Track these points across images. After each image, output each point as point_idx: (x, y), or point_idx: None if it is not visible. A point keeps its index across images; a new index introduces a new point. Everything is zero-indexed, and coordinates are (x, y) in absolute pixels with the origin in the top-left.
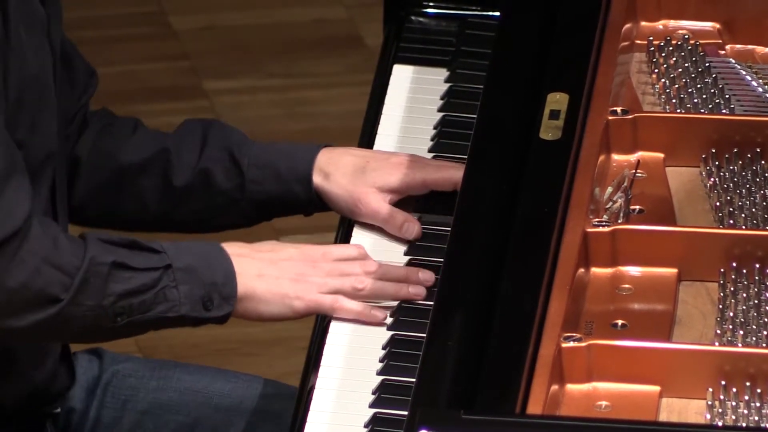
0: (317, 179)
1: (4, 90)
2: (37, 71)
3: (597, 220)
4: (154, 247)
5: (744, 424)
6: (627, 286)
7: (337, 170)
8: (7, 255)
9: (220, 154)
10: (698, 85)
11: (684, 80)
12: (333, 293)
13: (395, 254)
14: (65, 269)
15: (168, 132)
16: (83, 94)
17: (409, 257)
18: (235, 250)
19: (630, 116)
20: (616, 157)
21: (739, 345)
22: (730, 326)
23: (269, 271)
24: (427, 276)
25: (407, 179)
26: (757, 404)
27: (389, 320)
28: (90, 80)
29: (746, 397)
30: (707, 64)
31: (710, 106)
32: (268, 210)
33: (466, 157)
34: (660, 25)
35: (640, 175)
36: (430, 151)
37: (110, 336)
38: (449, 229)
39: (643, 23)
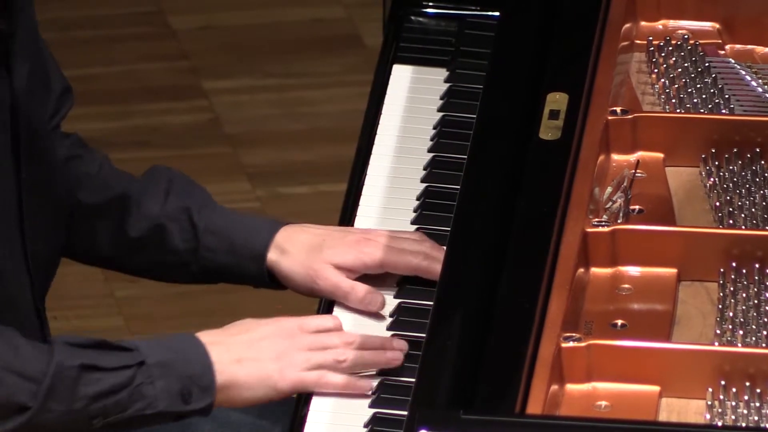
0: (273, 256)
1: None
2: None
3: (597, 220)
4: (126, 345)
5: (744, 424)
6: (627, 286)
7: (293, 247)
8: None
9: (178, 213)
10: (698, 85)
11: (683, 80)
12: (316, 369)
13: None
14: (30, 376)
15: (132, 176)
16: (55, 115)
17: (399, 300)
18: (209, 339)
19: (629, 116)
20: (615, 157)
21: (739, 345)
22: (730, 326)
23: (247, 354)
24: (402, 345)
25: (365, 259)
26: (757, 404)
27: (388, 321)
28: (64, 99)
29: (746, 397)
30: (707, 64)
31: (710, 106)
32: (217, 278)
33: (465, 158)
34: (659, 24)
35: (639, 175)
36: (429, 150)
37: None
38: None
39: (643, 23)
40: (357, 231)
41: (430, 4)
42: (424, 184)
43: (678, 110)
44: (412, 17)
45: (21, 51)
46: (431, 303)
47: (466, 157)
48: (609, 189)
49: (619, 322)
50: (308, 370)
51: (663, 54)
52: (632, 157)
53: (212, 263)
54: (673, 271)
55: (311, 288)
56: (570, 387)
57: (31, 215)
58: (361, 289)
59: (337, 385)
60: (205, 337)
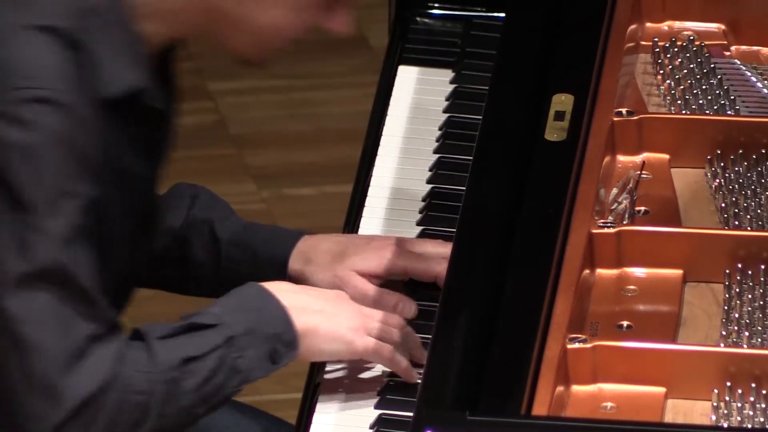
0: (296, 265)
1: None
2: (121, 230)
3: (602, 221)
4: (209, 321)
5: (749, 426)
6: (632, 287)
7: (316, 256)
8: (92, 408)
9: (201, 225)
10: (703, 87)
11: (689, 81)
12: (389, 342)
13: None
14: (140, 390)
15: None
16: None
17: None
18: (285, 287)
19: (635, 117)
20: (621, 158)
21: (745, 346)
22: (736, 327)
23: (328, 308)
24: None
25: (388, 265)
26: (763, 405)
27: None
28: None
29: (752, 399)
30: (712, 66)
31: (715, 107)
32: None
33: (470, 159)
34: (665, 26)
35: (645, 176)
36: (435, 152)
37: (194, 422)
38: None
39: (648, 24)
40: (379, 238)
41: (436, 5)
42: (430, 186)
43: (683, 111)
44: (418, 18)
45: (167, 142)
46: (437, 304)
47: (471, 158)
48: (615, 190)
49: (625, 323)
50: (381, 341)
51: (668, 55)
52: (638, 159)
53: (235, 274)
54: (678, 272)
55: None
56: (576, 388)
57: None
58: (392, 297)
59: (402, 368)
60: (278, 285)
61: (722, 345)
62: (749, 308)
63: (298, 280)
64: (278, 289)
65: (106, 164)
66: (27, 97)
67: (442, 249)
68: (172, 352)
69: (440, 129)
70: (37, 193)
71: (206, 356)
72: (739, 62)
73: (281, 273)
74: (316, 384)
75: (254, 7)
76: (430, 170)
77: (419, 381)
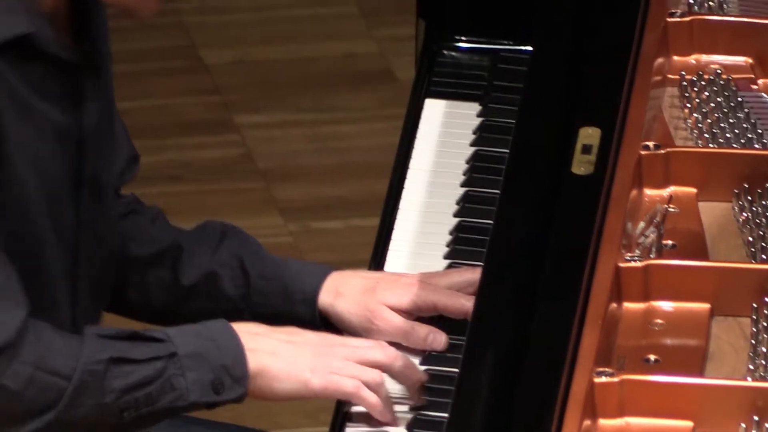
0: (326, 299)
1: (2, 212)
2: (47, 181)
3: (629, 254)
4: (157, 336)
5: None
6: (659, 321)
7: (347, 290)
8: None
9: (230, 260)
10: (730, 120)
11: (716, 115)
12: (352, 377)
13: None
14: (60, 373)
15: (185, 229)
16: (119, 177)
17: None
18: (251, 329)
19: (662, 151)
20: (648, 191)
21: None
22: (763, 361)
23: (284, 349)
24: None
25: (418, 301)
26: None
27: (420, 357)
28: (129, 166)
29: None
30: (739, 99)
31: (742, 141)
32: (269, 323)
33: (497, 192)
34: (692, 59)
35: (672, 209)
36: (462, 185)
37: (120, 431)
38: None
39: (675, 57)
40: (409, 275)
41: (463, 38)
42: (457, 219)
43: (710, 145)
44: (445, 52)
45: (92, 90)
46: (464, 337)
47: (498, 191)
48: (642, 224)
49: (652, 357)
50: (344, 376)
51: (695, 88)
52: (665, 192)
53: (264, 309)
54: (706, 306)
55: (368, 329)
56: (603, 422)
57: (85, 258)
58: (423, 329)
59: (371, 404)
60: (247, 326)
61: (749, 379)
62: None
63: (328, 314)
64: (243, 330)
65: (11, 108)
66: None
67: (470, 275)
68: (105, 348)
69: (467, 162)
70: None
71: (142, 363)
72: (766, 96)
73: (311, 307)
74: (343, 414)
75: None
76: (457, 204)
77: (445, 415)
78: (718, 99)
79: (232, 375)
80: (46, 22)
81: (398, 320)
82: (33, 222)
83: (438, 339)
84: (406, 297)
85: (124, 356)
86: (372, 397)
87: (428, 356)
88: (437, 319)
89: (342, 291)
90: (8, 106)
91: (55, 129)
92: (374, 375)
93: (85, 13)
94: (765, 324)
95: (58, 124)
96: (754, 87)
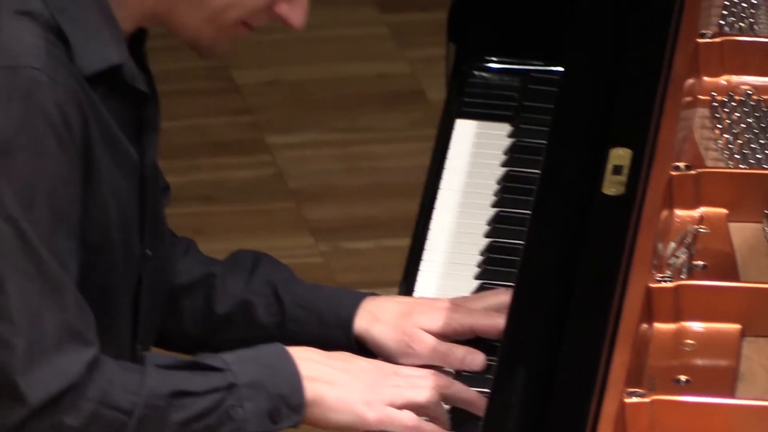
0: (362, 325)
1: (82, 235)
2: (123, 212)
3: (660, 275)
4: (216, 365)
5: None
6: (690, 341)
7: (383, 315)
8: (62, 407)
9: (264, 288)
10: (761, 141)
11: (747, 136)
12: (406, 407)
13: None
14: (122, 408)
15: (217, 259)
16: None
17: None
18: (307, 355)
19: (693, 172)
20: (678, 212)
21: None
22: None
23: (341, 378)
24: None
25: (454, 324)
26: None
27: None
28: (164, 195)
29: None
30: None
31: None
32: None
33: (528, 213)
34: (723, 80)
35: (703, 230)
36: (493, 206)
37: None
38: None
39: (706, 78)
40: (444, 299)
41: (494, 59)
42: (488, 239)
43: (741, 166)
44: (476, 72)
45: (153, 122)
46: (495, 358)
47: (529, 212)
48: (672, 244)
49: (683, 377)
50: (399, 407)
51: (726, 109)
52: (695, 213)
53: (299, 335)
54: (736, 326)
55: (405, 353)
56: None
57: (147, 289)
58: (459, 350)
59: None
60: (303, 353)
61: None
62: None
63: (364, 339)
64: (300, 356)
65: (99, 138)
66: (8, 73)
67: (504, 297)
68: (166, 381)
69: (498, 183)
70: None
71: (202, 395)
72: None
73: (347, 333)
74: None
75: None
76: (488, 224)
77: None
78: (749, 120)
79: (289, 404)
80: (129, 54)
81: (435, 342)
82: (109, 251)
83: (476, 359)
84: (441, 320)
85: (184, 389)
86: (432, 429)
87: (460, 377)
88: (472, 340)
89: (378, 316)
90: (98, 134)
91: (128, 160)
92: (433, 405)
93: (141, 43)
94: None
95: (130, 155)
96: None
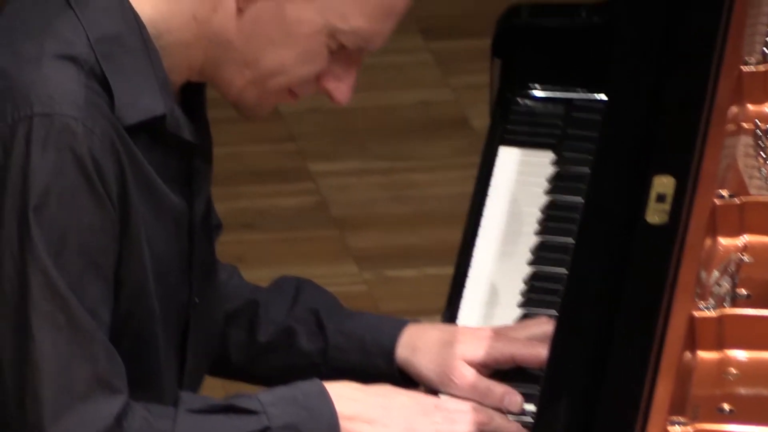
0: (404, 353)
1: (117, 284)
2: (163, 261)
3: (703, 304)
4: (252, 407)
5: None
6: (733, 370)
7: (424, 344)
8: None
9: (307, 315)
10: None
11: None
12: None
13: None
14: None
15: (260, 286)
16: None
17: None
18: (346, 392)
19: (737, 200)
20: (722, 240)
21: None
22: None
23: (380, 417)
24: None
25: (495, 353)
26: None
27: None
28: (216, 233)
29: None
30: None
31: None
32: (346, 377)
33: (571, 241)
34: (766, 107)
35: (746, 259)
36: (536, 234)
37: None
38: None
39: (750, 106)
40: (485, 328)
41: (537, 86)
42: (531, 267)
43: None
44: (520, 100)
45: (204, 173)
46: (538, 386)
47: (573, 240)
48: (716, 273)
49: (726, 406)
50: None
51: None
52: (739, 241)
53: (342, 363)
54: None
55: (446, 383)
56: None
57: (193, 334)
58: (498, 389)
59: None
60: (341, 389)
61: None
62: None
63: (405, 368)
64: (338, 393)
65: (136, 187)
66: (45, 120)
67: (547, 326)
68: (198, 427)
69: (541, 211)
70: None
71: None
72: None
73: (389, 361)
74: None
75: (262, 44)
76: (532, 252)
77: None
78: None
79: None
80: (177, 105)
81: (475, 379)
82: (146, 300)
83: (514, 400)
84: (483, 350)
85: None
86: None
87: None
88: (514, 369)
89: (419, 345)
90: (135, 184)
91: (170, 210)
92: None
93: (197, 93)
94: None
95: (174, 206)
96: None
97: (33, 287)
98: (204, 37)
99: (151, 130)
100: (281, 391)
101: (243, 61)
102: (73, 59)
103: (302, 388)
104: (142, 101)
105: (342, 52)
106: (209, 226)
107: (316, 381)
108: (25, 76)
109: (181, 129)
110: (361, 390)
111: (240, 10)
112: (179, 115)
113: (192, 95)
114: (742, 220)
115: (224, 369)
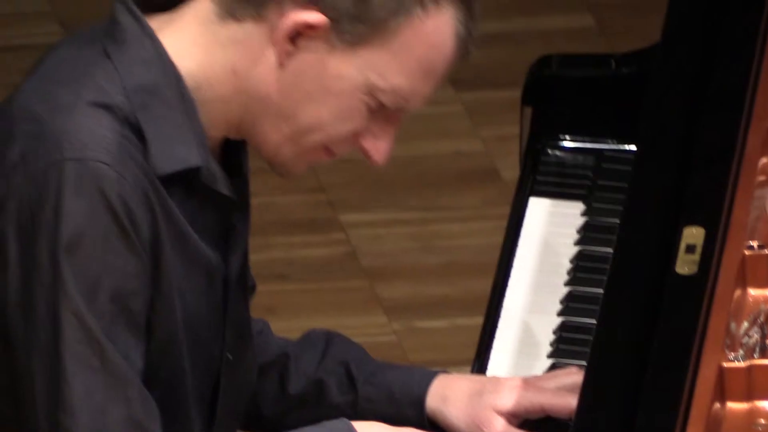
0: (433, 403)
1: (148, 332)
2: (194, 314)
3: (733, 354)
4: None
5: None
6: (763, 421)
7: (454, 394)
8: None
9: (337, 367)
10: None
11: None
12: None
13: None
14: None
15: (290, 339)
16: None
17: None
18: (373, 430)
19: (766, 251)
20: (752, 291)
21: None
22: None
23: None
24: None
25: (525, 403)
26: None
27: None
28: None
29: None
30: None
31: None
32: None
33: (601, 291)
34: None
35: None
36: (566, 284)
37: None
38: None
39: None
40: (515, 378)
41: (567, 137)
42: (561, 318)
43: None
44: (549, 150)
45: (241, 228)
46: None
47: (602, 290)
48: (745, 324)
49: None
50: None
51: None
52: None
53: (372, 414)
54: None
55: None
56: None
57: (225, 388)
58: None
59: None
60: (369, 428)
61: None
62: None
63: (435, 418)
64: (366, 431)
65: (169, 237)
66: (77, 165)
67: (576, 377)
68: None
69: (571, 261)
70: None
71: None
72: None
73: (419, 411)
74: None
75: (301, 99)
76: (561, 303)
77: None
78: None
79: None
80: (213, 158)
81: (505, 429)
82: (175, 352)
83: None
84: (513, 399)
85: None
86: None
87: None
88: (544, 419)
89: (449, 395)
90: (167, 233)
91: (205, 264)
92: None
93: (237, 150)
94: None
95: (208, 260)
96: None
97: (66, 329)
98: (242, 91)
99: (186, 182)
100: (309, 429)
101: (281, 116)
102: (107, 107)
103: (328, 425)
104: (176, 152)
105: (381, 111)
106: (245, 284)
107: (344, 420)
108: (60, 122)
109: (218, 182)
110: (388, 428)
111: (281, 65)
112: (216, 169)
113: (232, 151)
114: None
115: (255, 422)
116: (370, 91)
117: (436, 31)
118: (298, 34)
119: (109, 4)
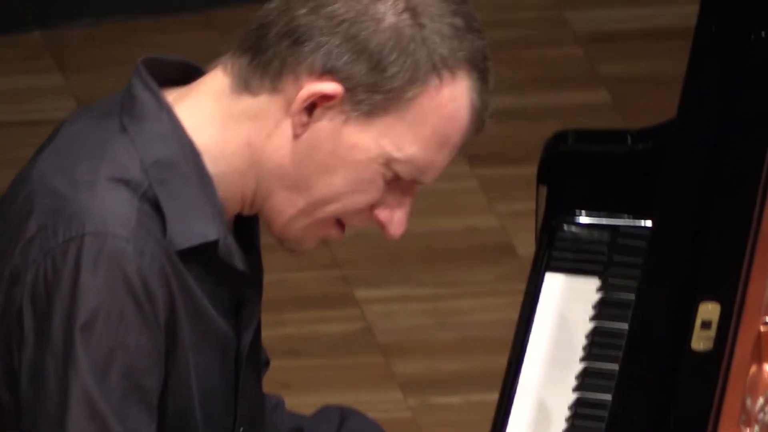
0: None
1: (161, 406)
2: (207, 388)
3: (748, 430)
4: None
5: None
6: None
7: None
8: None
9: None
10: None
11: None
12: None
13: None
14: None
15: (305, 415)
16: None
17: None
18: None
19: None
20: (767, 367)
21: None
22: None
23: None
24: None
25: None
26: None
27: None
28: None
29: None
30: None
31: None
32: None
33: (617, 367)
34: None
35: None
36: (581, 360)
37: None
38: None
39: None
40: None
41: (583, 212)
42: (576, 394)
43: None
44: (565, 226)
45: (253, 303)
46: None
47: (618, 366)
48: (761, 400)
49: None
50: None
51: None
52: None
53: None
54: None
55: None
56: None
57: None
58: None
59: None
60: None
61: None
62: None
63: None
64: None
65: (185, 312)
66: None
67: None
68: None
69: (586, 337)
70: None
71: None
72: None
73: None
74: None
75: (316, 170)
76: (577, 378)
77: None
78: None
79: None
80: (230, 233)
81: None
82: (189, 428)
83: None
84: None
85: None
86: None
87: None
88: None
89: None
90: (184, 308)
91: (218, 338)
92: None
93: (249, 224)
94: None
95: (222, 333)
96: None
97: (73, 405)
98: (257, 164)
99: (203, 257)
100: None
101: (295, 188)
102: (126, 183)
103: None
104: (194, 226)
105: (397, 182)
106: (258, 360)
107: None
108: (79, 198)
109: (233, 257)
110: None
111: (297, 136)
112: (231, 243)
113: (245, 226)
114: None
115: None
116: (386, 161)
117: (452, 102)
118: (314, 105)
119: (124, 81)
